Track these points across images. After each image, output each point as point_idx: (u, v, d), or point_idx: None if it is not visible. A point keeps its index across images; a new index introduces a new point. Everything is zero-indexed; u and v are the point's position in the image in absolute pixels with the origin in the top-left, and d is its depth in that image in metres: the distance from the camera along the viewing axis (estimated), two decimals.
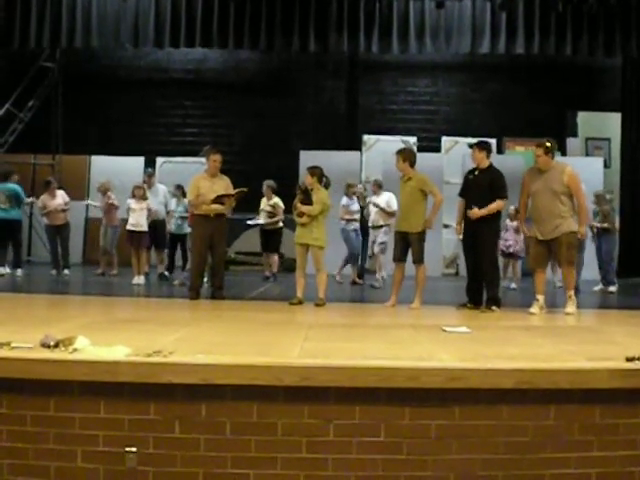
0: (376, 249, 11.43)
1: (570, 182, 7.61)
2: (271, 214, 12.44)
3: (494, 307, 7.86)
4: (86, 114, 16.77)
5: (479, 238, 7.87)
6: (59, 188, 12.99)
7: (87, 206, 15.76)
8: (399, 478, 4.09)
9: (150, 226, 11.86)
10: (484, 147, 8.20)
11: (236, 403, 4.08)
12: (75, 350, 4.32)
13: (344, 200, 12.11)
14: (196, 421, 4.09)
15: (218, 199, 8.65)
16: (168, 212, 12.57)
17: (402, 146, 10.88)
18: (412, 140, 16.13)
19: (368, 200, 11.92)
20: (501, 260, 10.50)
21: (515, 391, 4.10)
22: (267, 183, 12.47)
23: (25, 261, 14.10)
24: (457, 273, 15.07)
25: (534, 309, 7.69)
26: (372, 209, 11.73)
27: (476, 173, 8.16)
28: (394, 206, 11.29)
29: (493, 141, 10.37)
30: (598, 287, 11.83)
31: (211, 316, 7.43)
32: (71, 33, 12.19)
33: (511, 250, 11.90)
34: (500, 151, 16.27)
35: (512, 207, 11.18)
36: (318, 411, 4.08)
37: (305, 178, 8.63)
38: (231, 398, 4.08)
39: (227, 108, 17.40)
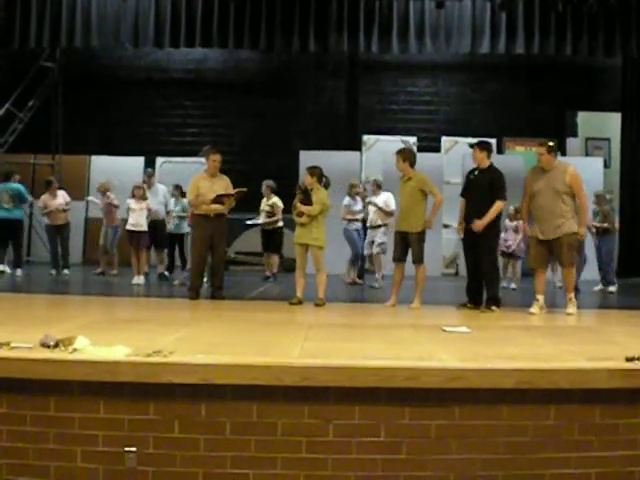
0: (376, 249, 11.43)
1: (572, 182, 7.61)
2: (270, 214, 12.44)
3: (494, 307, 7.86)
4: (86, 114, 16.77)
5: (479, 238, 7.87)
6: (60, 188, 13.01)
7: (87, 206, 15.80)
8: (399, 478, 4.09)
9: (150, 226, 11.86)
10: (485, 147, 8.20)
11: (236, 403, 4.08)
12: (75, 350, 4.32)
13: (346, 200, 12.11)
14: (196, 421, 4.09)
15: (218, 199, 8.65)
16: (168, 212, 12.59)
17: (402, 146, 10.88)
18: (412, 140, 16.13)
19: (367, 200, 11.92)
20: (501, 260, 10.50)
21: (515, 391, 4.10)
22: (266, 183, 12.48)
23: (25, 261, 14.09)
24: (457, 273, 15.06)
25: (534, 309, 7.70)
26: (370, 209, 11.73)
27: (476, 173, 8.17)
28: (392, 206, 11.30)
29: (493, 141, 10.36)
30: (598, 287, 11.83)
31: (211, 316, 7.42)
32: (71, 33, 12.20)
33: (511, 250, 11.90)
34: (500, 151, 16.26)
35: (511, 207, 11.18)
36: (318, 411, 4.08)
37: (305, 178, 8.63)
38: (231, 398, 4.08)
39: (227, 108, 17.39)
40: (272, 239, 12.56)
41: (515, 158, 15.83)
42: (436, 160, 15.11)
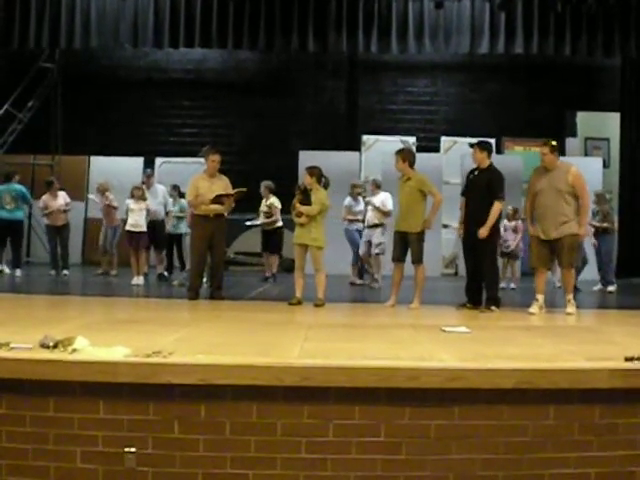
0: (375, 250, 11.42)
1: (575, 182, 7.62)
2: (268, 214, 12.44)
3: (493, 307, 7.86)
4: (85, 114, 16.76)
5: (479, 239, 7.86)
6: (60, 189, 13.03)
7: (86, 206, 15.82)
8: (398, 478, 4.09)
9: (149, 226, 11.86)
10: (485, 147, 8.21)
11: (236, 403, 4.08)
12: (74, 351, 4.32)
13: (347, 200, 12.11)
14: (195, 421, 4.09)
15: (217, 199, 8.65)
16: (167, 212, 12.59)
17: (401, 146, 10.90)
18: (411, 140, 16.11)
19: (366, 200, 11.93)
20: (500, 260, 10.50)
21: (515, 391, 4.10)
22: (264, 184, 12.47)
23: (24, 262, 14.09)
24: (456, 273, 15.06)
25: (533, 309, 7.70)
26: (368, 208, 11.74)
27: (476, 173, 8.18)
28: (389, 205, 11.31)
29: (492, 141, 10.35)
30: (597, 287, 11.84)
31: (210, 316, 7.42)
32: (70, 33, 12.18)
33: (510, 250, 11.90)
34: (499, 151, 16.24)
35: (509, 207, 11.18)
36: (318, 411, 4.08)
37: (304, 178, 8.64)
38: (231, 398, 4.08)
39: (226, 108, 17.38)
40: (271, 239, 12.56)
41: (514, 158, 15.83)
42: (435, 160, 15.10)
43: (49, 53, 16.06)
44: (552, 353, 4.94)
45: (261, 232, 12.84)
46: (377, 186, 11.79)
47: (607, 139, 16.70)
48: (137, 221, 11.59)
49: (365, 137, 16.46)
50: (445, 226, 14.82)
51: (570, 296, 7.73)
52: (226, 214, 9.04)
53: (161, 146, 16.98)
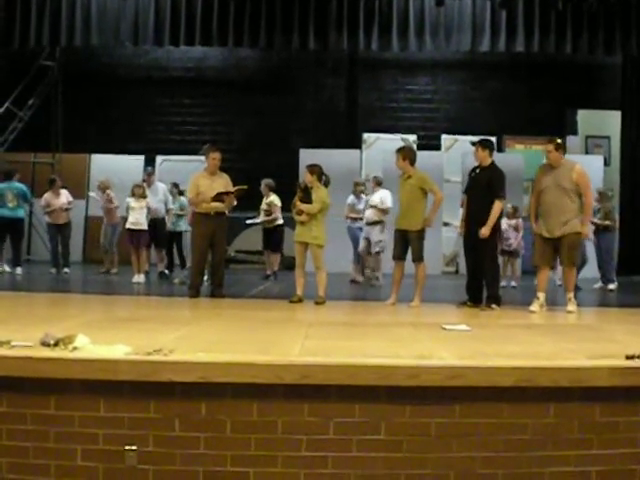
0: (375, 248, 11.42)
1: (579, 179, 7.62)
2: (268, 212, 12.45)
3: (494, 305, 7.86)
4: (86, 112, 16.75)
5: (480, 237, 7.86)
6: (62, 187, 13.04)
7: (87, 204, 15.84)
8: (399, 476, 4.09)
9: (150, 225, 11.86)
10: (487, 146, 8.22)
11: (236, 401, 4.08)
12: (75, 349, 4.32)
13: (350, 199, 12.10)
14: (196, 419, 4.09)
15: (218, 197, 8.65)
16: (168, 210, 12.59)
17: (402, 144, 10.89)
18: (412, 138, 16.12)
19: (367, 197, 11.93)
20: (500, 258, 10.50)
21: (515, 389, 4.10)
22: (265, 182, 12.48)
23: (25, 260, 14.11)
24: (457, 271, 15.06)
25: (534, 307, 7.69)
26: (368, 205, 11.75)
27: (478, 171, 8.18)
28: (387, 203, 11.31)
29: (493, 139, 10.36)
30: (598, 285, 11.84)
31: (211, 314, 7.42)
32: (71, 31, 12.18)
33: (512, 248, 11.89)
34: (500, 149, 16.24)
35: (509, 205, 11.18)
36: (318, 409, 4.08)
37: (304, 176, 8.64)
38: (231, 396, 4.08)
39: (227, 106, 17.38)
40: (272, 237, 12.57)
41: (515, 156, 15.84)
42: (436, 158, 15.10)
43: (49, 51, 16.05)
44: (552, 351, 4.93)
45: (262, 230, 12.86)
46: (378, 183, 11.79)
47: (608, 137, 16.68)
48: (138, 219, 11.59)
49: (366, 135, 16.46)
50: (446, 224, 14.81)
51: (571, 294, 7.73)
52: (227, 212, 9.04)
53: (162, 144, 16.98)
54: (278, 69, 17.24)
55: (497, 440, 4.10)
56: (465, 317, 7.17)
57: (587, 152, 16.58)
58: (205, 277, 9.62)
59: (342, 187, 11.80)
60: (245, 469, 4.08)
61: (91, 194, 14.98)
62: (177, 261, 13.00)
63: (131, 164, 16.21)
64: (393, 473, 4.09)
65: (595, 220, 11.40)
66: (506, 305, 8.12)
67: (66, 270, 12.67)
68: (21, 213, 12.62)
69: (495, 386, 4.10)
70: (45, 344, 4.41)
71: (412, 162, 8.31)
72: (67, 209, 12.86)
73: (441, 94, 17.86)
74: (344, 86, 17.36)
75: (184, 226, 12.35)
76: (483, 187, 7.94)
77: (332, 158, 13.30)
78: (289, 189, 9.35)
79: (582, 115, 16.89)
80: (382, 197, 11.48)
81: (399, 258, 8.29)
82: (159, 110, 17.58)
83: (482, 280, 8.02)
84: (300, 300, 8.28)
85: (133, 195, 11.73)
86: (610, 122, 16.31)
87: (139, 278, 11.26)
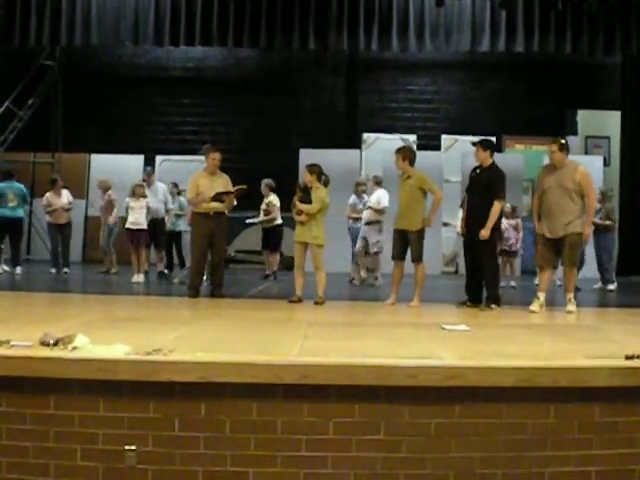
0: (372, 249, 11.42)
1: (582, 180, 7.62)
2: (267, 212, 12.46)
3: (493, 305, 7.86)
4: (86, 112, 16.74)
5: (480, 238, 7.85)
6: (64, 187, 13.06)
7: (87, 204, 15.88)
8: (398, 476, 4.09)
9: (149, 225, 11.87)
10: (488, 146, 8.22)
11: (236, 401, 4.08)
12: (75, 348, 4.32)
13: (352, 199, 12.11)
14: (195, 419, 4.09)
15: (217, 197, 8.65)
16: (167, 210, 12.59)
17: (402, 144, 10.88)
18: (412, 138, 16.12)
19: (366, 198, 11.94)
20: (499, 258, 10.49)
21: (514, 389, 4.10)
22: (265, 182, 12.50)
23: (24, 259, 14.11)
24: (456, 271, 15.06)
25: (534, 307, 7.68)
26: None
27: (478, 171, 8.19)
28: (383, 203, 11.32)
29: (493, 139, 10.36)
30: (597, 285, 11.84)
31: (211, 314, 7.42)
32: (71, 31, 12.18)
33: (514, 249, 11.88)
34: (500, 149, 16.24)
35: (508, 205, 11.17)
36: (318, 409, 4.08)
37: (304, 176, 8.64)
38: (231, 396, 4.08)
39: (227, 106, 17.38)
40: (271, 237, 12.59)
41: (515, 156, 15.85)
42: (436, 158, 15.11)
43: (49, 50, 16.06)
44: (552, 351, 4.93)
45: (262, 230, 12.87)
46: (377, 183, 11.79)
47: (608, 137, 16.69)
48: (137, 219, 11.59)
49: (365, 135, 16.46)
50: (445, 224, 14.81)
51: (571, 295, 7.73)
52: (227, 212, 9.04)
53: (161, 144, 16.99)
54: (278, 69, 17.24)
55: (497, 440, 4.10)
56: (465, 317, 7.16)
57: (587, 152, 16.57)
58: (205, 277, 9.62)
59: (342, 187, 11.79)
60: (245, 469, 4.07)
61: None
62: (176, 261, 13.00)
63: (131, 164, 16.22)
64: (392, 473, 4.09)
65: (596, 220, 11.39)
66: (505, 305, 8.12)
67: (66, 270, 12.68)
68: (21, 213, 12.63)
69: (495, 386, 4.10)
70: (45, 344, 4.41)
71: (412, 162, 8.32)
72: (68, 209, 12.89)
73: (441, 94, 17.87)
74: (344, 86, 17.38)
75: (183, 226, 12.36)
76: (483, 187, 7.95)
77: (332, 158, 13.31)
78: (289, 189, 9.35)
79: (582, 115, 16.89)
80: (378, 197, 11.48)
81: (399, 258, 8.29)
82: (159, 110, 17.58)
83: (481, 280, 8.02)
84: (300, 300, 8.29)
85: (134, 195, 11.73)
86: (610, 122, 16.31)
87: (139, 278, 11.27)
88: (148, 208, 11.75)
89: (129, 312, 7.60)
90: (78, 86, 16.59)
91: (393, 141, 14.60)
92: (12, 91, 15.86)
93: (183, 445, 4.07)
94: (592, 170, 13.91)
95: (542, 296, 7.75)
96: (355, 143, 16.34)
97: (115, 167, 15.79)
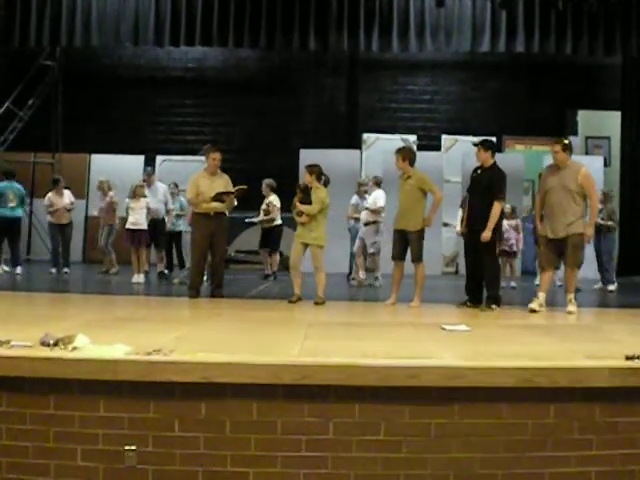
0: (370, 250, 11.42)
1: (584, 182, 7.61)
2: (267, 212, 12.47)
3: (494, 306, 7.85)
4: (86, 113, 16.76)
5: (482, 240, 7.85)
6: (65, 187, 13.07)
7: (87, 204, 15.91)
8: (399, 476, 4.09)
9: (149, 225, 11.86)
10: (489, 146, 8.22)
11: (236, 401, 4.08)
12: (75, 348, 4.32)
13: (354, 199, 12.10)
14: (196, 419, 4.09)
15: (218, 197, 8.65)
16: (168, 211, 12.59)
17: (402, 144, 10.88)
18: (412, 138, 16.11)
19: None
20: (500, 259, 10.49)
21: (515, 389, 4.10)
22: (266, 182, 12.50)
23: (24, 259, 14.11)
24: (457, 272, 15.06)
25: (534, 305, 7.67)
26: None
27: (479, 172, 8.18)
28: (379, 203, 11.31)
29: (493, 139, 10.37)
30: (598, 286, 11.83)
31: (211, 314, 7.42)
32: (71, 32, 12.17)
33: (515, 249, 11.87)
34: (500, 149, 16.24)
35: (507, 206, 11.16)
36: (318, 409, 4.08)
37: (304, 176, 8.64)
38: (231, 396, 4.08)
39: (227, 106, 17.38)
40: (270, 237, 12.60)
41: (515, 157, 15.84)
42: (436, 159, 15.11)
43: (50, 51, 16.07)
44: (552, 351, 4.93)
45: (261, 230, 12.87)
46: (376, 183, 11.78)
47: (608, 138, 16.68)
48: (137, 219, 11.59)
49: (366, 135, 16.45)
50: (445, 224, 14.81)
51: (571, 295, 7.73)
52: (227, 212, 9.04)
53: (162, 144, 16.99)
54: (278, 70, 17.25)
55: (497, 440, 4.10)
56: (465, 317, 7.16)
57: (587, 153, 16.57)
58: (205, 277, 9.62)
59: (342, 187, 11.80)
60: (245, 469, 4.07)
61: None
62: (176, 261, 12.99)
63: (131, 164, 16.22)
64: (392, 473, 4.08)
65: (598, 220, 11.39)
66: (505, 305, 8.12)
67: (66, 270, 12.68)
68: (20, 213, 12.66)
69: (495, 386, 4.10)
70: (45, 344, 4.41)
71: (412, 163, 8.32)
72: (70, 209, 12.90)
73: (441, 94, 17.88)
74: (344, 87, 17.37)
75: (183, 226, 12.36)
76: (484, 188, 7.94)
77: (332, 158, 13.31)
78: (289, 189, 9.36)
79: (582, 116, 16.89)
80: (375, 198, 11.48)
81: (399, 258, 8.29)
82: (159, 110, 17.59)
83: (482, 280, 8.02)
84: (299, 299, 8.29)
85: (134, 195, 11.73)
86: (610, 123, 16.31)
87: (139, 278, 11.26)
88: (148, 208, 11.75)
89: (129, 312, 7.60)
90: (78, 86, 16.60)
91: (393, 141, 14.58)
92: (12, 91, 15.87)
93: (183, 445, 4.07)
94: (592, 170, 13.84)
95: (542, 296, 7.75)
96: (355, 143, 16.34)
97: (115, 167, 15.79)
